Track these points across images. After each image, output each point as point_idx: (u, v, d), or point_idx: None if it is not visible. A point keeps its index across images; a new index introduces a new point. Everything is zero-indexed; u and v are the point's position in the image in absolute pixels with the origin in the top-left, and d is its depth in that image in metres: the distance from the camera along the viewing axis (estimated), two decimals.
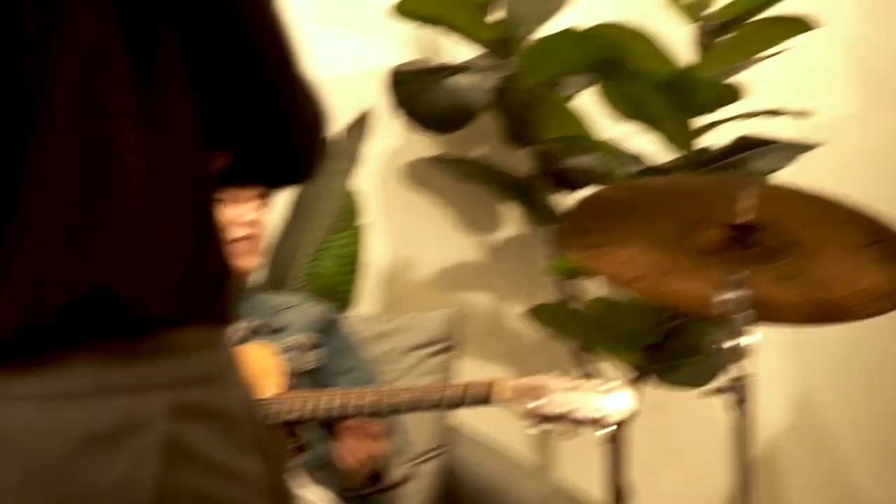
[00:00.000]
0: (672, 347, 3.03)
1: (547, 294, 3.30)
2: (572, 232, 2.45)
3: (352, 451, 2.43)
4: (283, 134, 1.24)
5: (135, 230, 1.13)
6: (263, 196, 2.69)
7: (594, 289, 3.40)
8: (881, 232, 2.17)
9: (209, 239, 1.19)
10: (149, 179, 1.14)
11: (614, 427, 2.18)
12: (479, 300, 3.46)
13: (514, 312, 3.34)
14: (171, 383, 1.13)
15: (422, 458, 2.91)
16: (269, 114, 1.23)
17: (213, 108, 1.20)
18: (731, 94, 3.00)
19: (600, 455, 3.16)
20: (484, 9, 3.16)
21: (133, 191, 1.13)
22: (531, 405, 2.24)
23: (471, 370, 3.22)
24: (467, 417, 3.03)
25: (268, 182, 1.44)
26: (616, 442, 3.14)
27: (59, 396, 1.09)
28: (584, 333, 3.06)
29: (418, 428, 2.91)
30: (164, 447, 1.10)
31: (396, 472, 2.55)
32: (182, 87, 1.17)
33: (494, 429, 2.95)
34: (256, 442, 1.18)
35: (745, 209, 2.26)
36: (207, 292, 1.18)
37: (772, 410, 3.61)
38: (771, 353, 3.55)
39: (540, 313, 3.02)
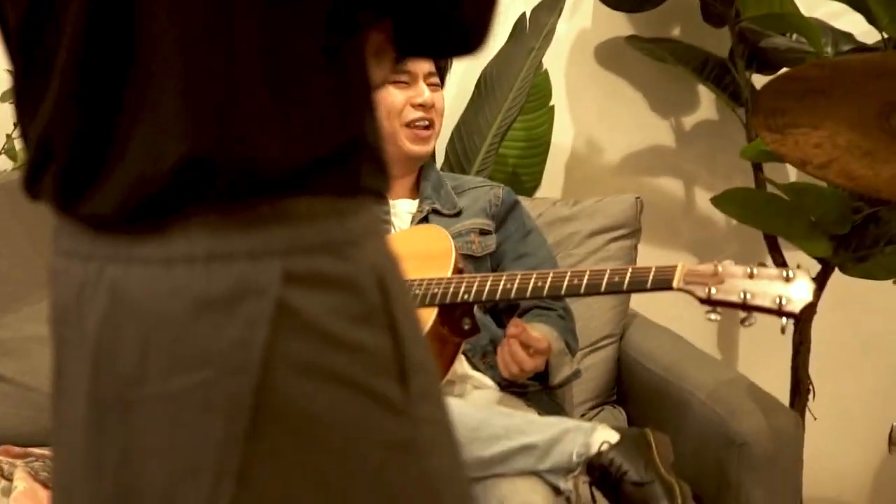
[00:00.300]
0: (864, 237, 2.89)
1: (743, 180, 3.19)
2: (764, 113, 2.33)
3: (506, 363, 2.40)
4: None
5: (252, 95, 1.09)
6: (438, 77, 2.65)
7: (791, 175, 3.28)
8: None
9: (344, 108, 1.14)
10: (266, 45, 1.10)
11: (793, 315, 2.08)
12: (670, 185, 3.36)
13: (706, 198, 3.24)
14: (288, 249, 1.10)
15: (598, 345, 2.86)
16: None
17: None
18: None
19: (785, 350, 3.07)
20: None
21: (245, 56, 1.09)
22: (710, 290, 2.15)
23: (658, 257, 3.15)
24: (654, 307, 2.97)
25: (434, 52, 1.36)
26: (800, 336, 3.04)
27: (178, 260, 1.09)
28: (774, 221, 2.93)
29: (597, 315, 2.86)
30: (275, 314, 1.08)
31: (562, 372, 2.50)
32: None
33: (679, 319, 2.87)
34: (385, 316, 1.14)
35: None
36: (341, 162, 1.14)
37: None
38: None
39: (728, 199, 2.90)
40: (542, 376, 2.48)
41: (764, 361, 3.20)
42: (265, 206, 1.10)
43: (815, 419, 3.07)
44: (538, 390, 2.56)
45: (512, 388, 2.52)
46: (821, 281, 3.03)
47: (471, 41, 1.20)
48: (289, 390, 1.09)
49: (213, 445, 1.09)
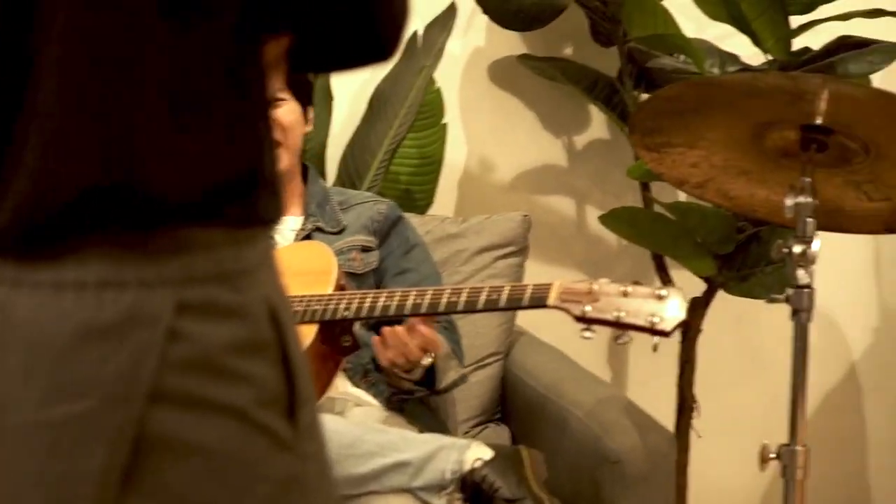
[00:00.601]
0: (747, 256, 2.93)
1: (633, 199, 3.21)
2: (641, 132, 2.35)
3: (384, 355, 2.38)
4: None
5: (152, 122, 1.08)
6: (298, 91, 2.62)
7: (681, 194, 3.31)
8: None
9: (245, 137, 1.13)
10: (167, 71, 1.08)
11: (664, 334, 2.10)
12: (562, 203, 3.38)
13: (597, 217, 3.26)
14: (182, 279, 1.09)
15: (483, 363, 2.86)
16: None
17: None
18: None
19: (674, 368, 3.10)
20: None
21: (145, 82, 1.07)
22: (584, 309, 2.17)
23: (548, 275, 3.15)
24: (547, 325, 2.98)
25: (342, 62, 1.28)
26: (686, 354, 3.07)
27: (68, 286, 1.07)
28: (660, 240, 2.96)
29: (483, 332, 2.86)
30: (165, 344, 1.07)
31: (449, 376, 2.50)
32: None
33: (572, 338, 2.88)
34: (277, 348, 1.13)
35: (818, 110, 2.14)
36: (240, 191, 1.12)
37: (856, 329, 3.51)
38: (853, 263, 3.45)
39: (615, 218, 2.93)
40: (429, 381, 2.47)
41: (652, 380, 3.23)
42: (161, 235, 1.09)
43: (700, 437, 3.10)
44: (419, 405, 2.56)
45: (398, 395, 2.51)
46: (706, 300, 3.06)
47: (381, 53, 1.18)
48: (175, 423, 1.08)
49: (92, 477, 1.07)
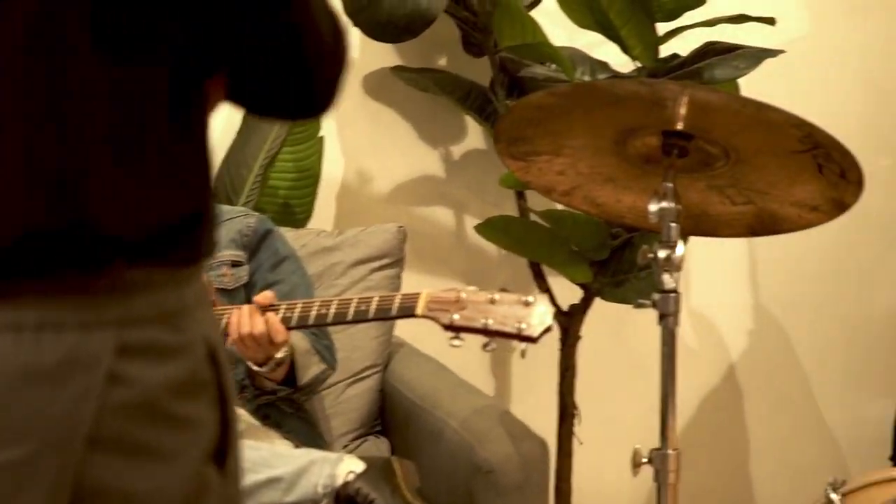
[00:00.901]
0: (619, 262, 2.95)
1: (512, 208, 3.22)
2: (506, 141, 2.35)
3: (238, 347, 2.36)
4: (292, 54, 1.12)
5: (95, 164, 1.06)
6: None
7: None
8: (812, 139, 2.07)
9: (188, 177, 1.11)
10: (110, 111, 1.06)
11: (531, 340, 2.11)
12: (440, 214, 3.38)
13: (472, 227, 3.27)
14: (123, 321, 1.07)
15: (360, 375, 2.86)
16: (273, 28, 1.11)
17: (205, 23, 1.10)
18: (694, 0, 2.89)
19: (555, 376, 3.11)
20: None
21: (88, 124, 1.06)
22: (452, 317, 2.18)
23: (426, 286, 3.15)
24: (431, 336, 2.98)
25: (273, 111, 1.27)
26: (566, 361, 3.09)
27: (6, 328, 1.05)
28: (536, 248, 2.98)
29: (360, 345, 2.86)
30: (105, 387, 1.05)
31: (310, 371, 2.50)
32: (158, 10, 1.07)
33: (448, 349, 2.89)
34: (215, 389, 1.12)
35: (678, 116, 2.17)
36: (183, 232, 1.11)
37: (733, 331, 3.55)
38: (727, 267, 3.50)
39: (491, 227, 2.93)
40: (290, 380, 2.46)
41: (534, 388, 3.24)
42: (103, 277, 1.07)
43: (581, 443, 3.11)
44: (296, 420, 2.55)
45: (262, 395, 2.49)
46: (583, 306, 3.08)
47: (312, 110, 1.18)
48: (114, 470, 1.06)
49: None
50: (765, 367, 3.58)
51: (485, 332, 2.17)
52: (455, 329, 2.19)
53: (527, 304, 2.14)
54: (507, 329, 2.15)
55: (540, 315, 2.14)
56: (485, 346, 2.20)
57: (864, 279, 3.56)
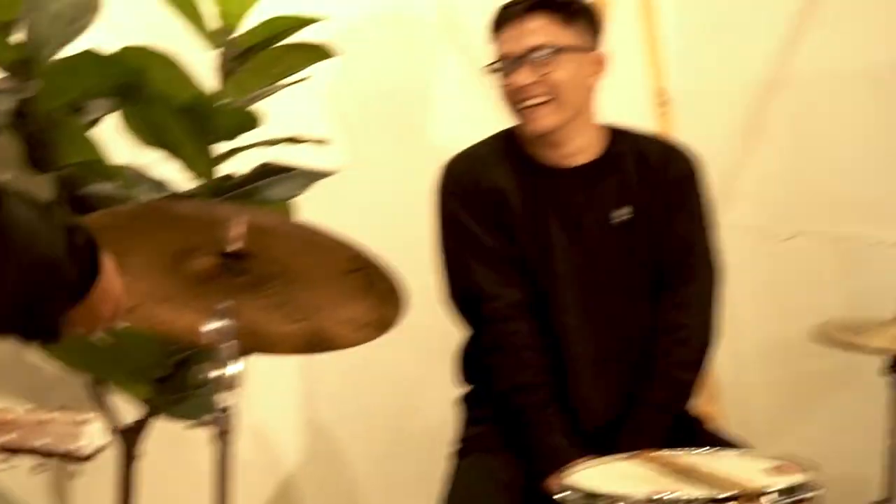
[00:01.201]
0: (179, 380, 2.98)
1: None
2: None
3: None
4: None
5: None
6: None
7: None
8: (360, 260, 2.18)
9: None
10: None
11: (83, 460, 2.09)
12: None
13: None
14: None
15: None
16: None
17: None
18: (250, 121, 2.98)
19: (114, 494, 3.08)
20: (6, 29, 3.01)
21: None
22: (3, 439, 2.13)
23: None
24: None
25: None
26: (126, 480, 3.06)
27: None
28: (97, 365, 2.95)
29: None
30: None
31: None
32: None
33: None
34: None
35: (234, 237, 2.23)
36: None
37: (288, 445, 3.65)
38: (284, 383, 3.59)
39: (49, 345, 2.89)
40: None
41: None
42: None
43: None
44: None
45: None
46: (140, 424, 3.06)
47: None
48: None
49: None
50: (317, 476, 3.68)
51: (37, 452, 2.13)
52: (8, 451, 2.13)
53: (81, 423, 2.12)
54: (60, 449, 2.12)
55: (93, 434, 2.12)
56: (36, 466, 2.16)
57: (413, 391, 3.73)
